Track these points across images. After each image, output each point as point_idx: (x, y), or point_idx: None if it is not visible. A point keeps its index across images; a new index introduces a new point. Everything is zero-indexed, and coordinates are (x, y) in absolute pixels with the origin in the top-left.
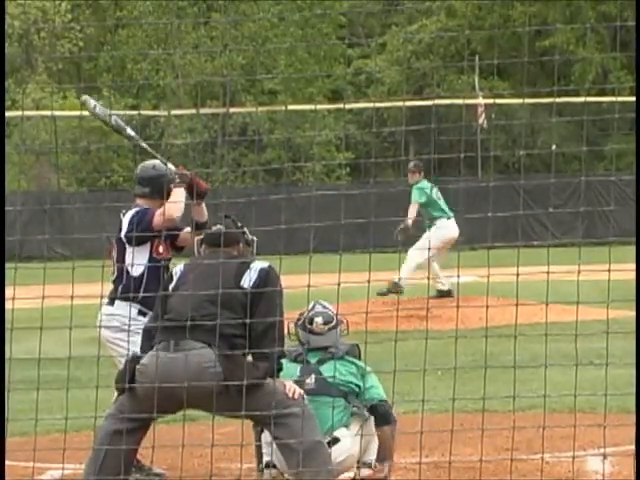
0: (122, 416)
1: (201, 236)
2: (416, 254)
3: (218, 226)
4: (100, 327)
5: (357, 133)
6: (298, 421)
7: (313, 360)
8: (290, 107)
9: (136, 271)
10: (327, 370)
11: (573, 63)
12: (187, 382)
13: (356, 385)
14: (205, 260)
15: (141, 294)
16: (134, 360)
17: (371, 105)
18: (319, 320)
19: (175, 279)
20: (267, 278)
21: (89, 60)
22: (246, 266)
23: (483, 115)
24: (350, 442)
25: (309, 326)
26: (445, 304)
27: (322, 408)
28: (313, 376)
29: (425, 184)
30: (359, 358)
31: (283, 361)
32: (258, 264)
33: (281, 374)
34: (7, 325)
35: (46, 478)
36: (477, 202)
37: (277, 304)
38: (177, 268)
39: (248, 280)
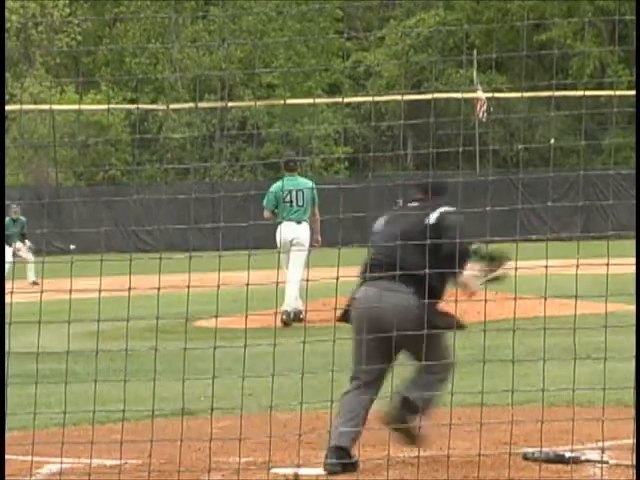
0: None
1: None
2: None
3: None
4: None
5: (355, 127)
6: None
7: None
8: (288, 101)
9: None
10: None
11: (571, 57)
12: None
13: None
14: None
15: None
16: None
17: (369, 99)
18: None
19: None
20: (446, 216)
21: (87, 54)
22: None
23: (484, 107)
24: None
25: None
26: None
27: None
28: None
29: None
30: None
31: None
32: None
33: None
34: (5, 319)
35: (44, 472)
36: (475, 196)
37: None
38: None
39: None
